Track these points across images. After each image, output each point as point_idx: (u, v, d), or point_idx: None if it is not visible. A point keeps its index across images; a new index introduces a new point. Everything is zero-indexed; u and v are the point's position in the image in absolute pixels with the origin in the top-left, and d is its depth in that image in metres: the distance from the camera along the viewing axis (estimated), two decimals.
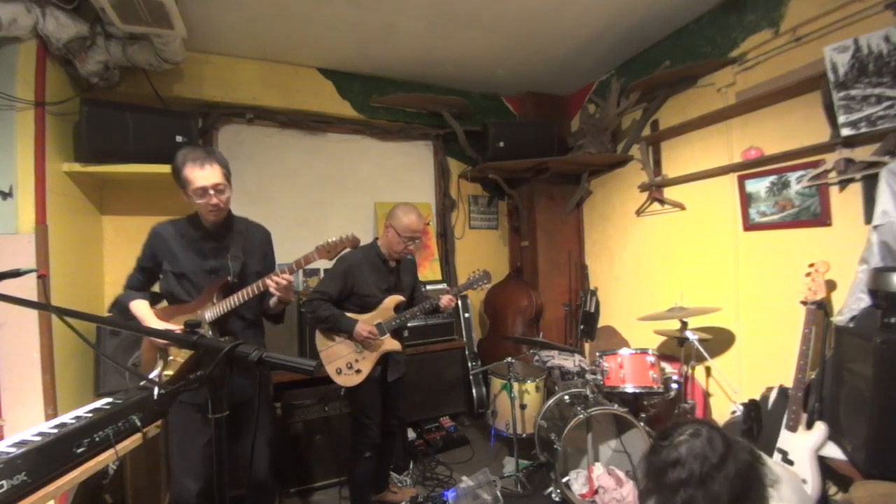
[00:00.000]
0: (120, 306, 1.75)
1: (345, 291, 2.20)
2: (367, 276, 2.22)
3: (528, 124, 3.79)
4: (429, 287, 3.09)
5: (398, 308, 2.28)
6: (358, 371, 2.18)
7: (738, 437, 2.19)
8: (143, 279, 1.78)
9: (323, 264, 2.27)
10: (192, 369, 1.61)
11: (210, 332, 1.65)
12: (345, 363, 2.18)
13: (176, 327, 1.61)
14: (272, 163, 3.39)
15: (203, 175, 1.61)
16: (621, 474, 2.40)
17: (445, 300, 2.28)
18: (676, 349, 2.65)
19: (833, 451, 1.87)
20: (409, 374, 2.51)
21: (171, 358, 1.66)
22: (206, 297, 1.69)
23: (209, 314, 1.67)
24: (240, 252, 1.75)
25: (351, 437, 2.31)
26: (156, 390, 1.52)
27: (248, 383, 1.69)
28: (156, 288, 1.84)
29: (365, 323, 2.16)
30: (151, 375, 1.63)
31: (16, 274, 1.08)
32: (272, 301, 1.82)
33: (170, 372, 1.62)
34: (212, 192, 1.62)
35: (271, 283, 1.67)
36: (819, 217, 2.26)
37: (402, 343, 2.32)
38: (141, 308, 1.71)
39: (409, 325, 2.56)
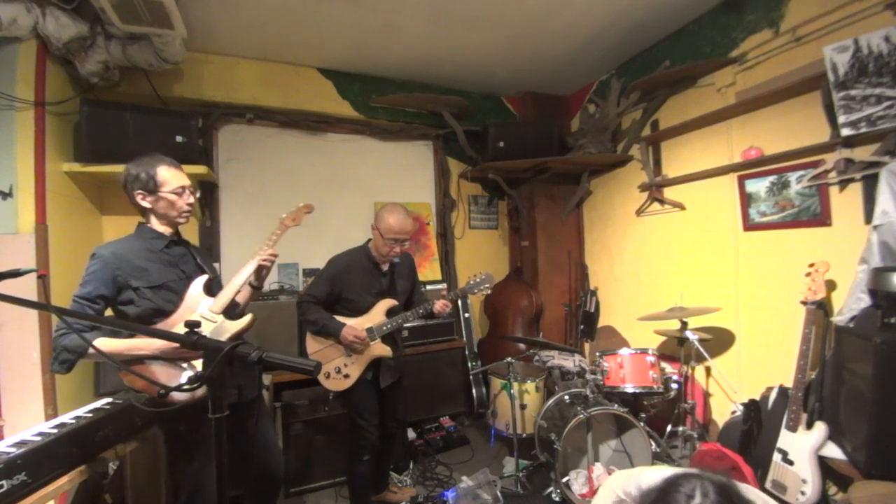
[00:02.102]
0: (74, 353, 1.42)
1: (333, 295, 2.17)
2: (356, 281, 2.19)
3: (528, 124, 3.79)
4: (428, 287, 3.09)
5: (391, 312, 2.22)
6: (346, 376, 2.14)
7: (736, 440, 2.20)
8: (98, 313, 1.52)
9: (322, 262, 2.29)
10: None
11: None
12: (333, 367, 2.14)
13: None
14: (272, 163, 3.39)
15: (180, 175, 1.63)
16: None
17: (439, 305, 2.20)
18: (676, 349, 2.65)
19: (833, 451, 1.87)
20: (409, 375, 2.50)
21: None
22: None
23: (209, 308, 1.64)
24: (205, 258, 1.81)
25: (349, 439, 2.30)
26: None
27: (247, 383, 1.72)
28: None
29: (352, 328, 2.10)
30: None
31: (16, 274, 1.08)
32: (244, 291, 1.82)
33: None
34: (188, 191, 1.65)
35: (264, 256, 1.75)
36: (819, 217, 2.26)
37: (395, 348, 2.25)
38: (113, 344, 1.46)
39: (409, 324, 2.54)
